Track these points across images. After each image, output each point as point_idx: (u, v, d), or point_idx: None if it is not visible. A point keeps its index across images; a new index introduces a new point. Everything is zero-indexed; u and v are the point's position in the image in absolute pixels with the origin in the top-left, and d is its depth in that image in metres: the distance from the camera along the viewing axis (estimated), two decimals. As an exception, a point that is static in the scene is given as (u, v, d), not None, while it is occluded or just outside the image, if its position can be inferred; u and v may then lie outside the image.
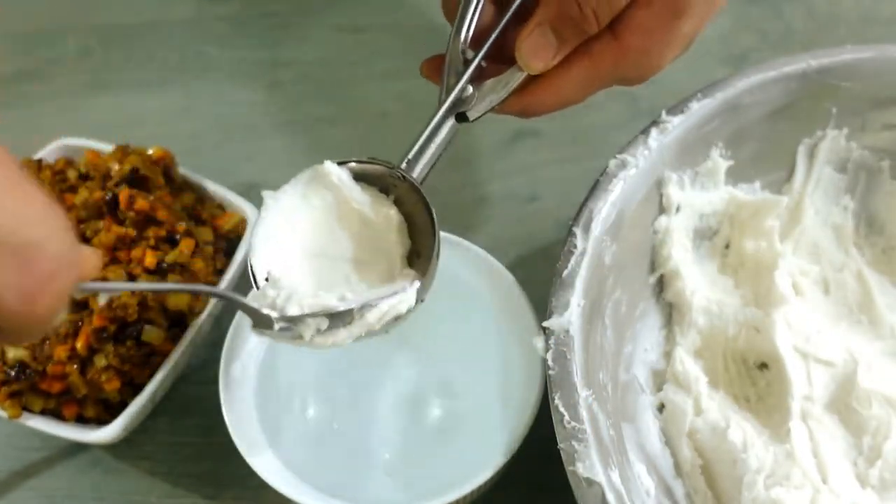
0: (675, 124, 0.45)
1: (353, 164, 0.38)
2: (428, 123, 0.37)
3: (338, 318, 0.34)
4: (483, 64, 0.39)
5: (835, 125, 0.50)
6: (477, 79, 0.38)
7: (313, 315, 0.34)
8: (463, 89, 0.38)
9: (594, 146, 0.63)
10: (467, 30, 0.38)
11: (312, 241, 0.38)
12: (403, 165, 0.37)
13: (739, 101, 0.47)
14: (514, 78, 0.38)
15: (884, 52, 0.48)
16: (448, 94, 0.37)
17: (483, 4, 0.39)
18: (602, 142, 0.62)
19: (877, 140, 0.51)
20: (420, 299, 0.36)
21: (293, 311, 0.34)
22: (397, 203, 0.39)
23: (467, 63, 0.38)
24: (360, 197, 0.38)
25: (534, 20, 0.37)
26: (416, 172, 0.37)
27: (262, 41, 0.73)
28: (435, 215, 0.37)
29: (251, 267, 0.36)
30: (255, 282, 0.36)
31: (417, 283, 0.36)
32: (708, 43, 0.72)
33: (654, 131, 0.45)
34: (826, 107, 0.49)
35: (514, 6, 0.39)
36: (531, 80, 0.38)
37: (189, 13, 0.75)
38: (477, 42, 0.38)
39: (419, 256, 0.38)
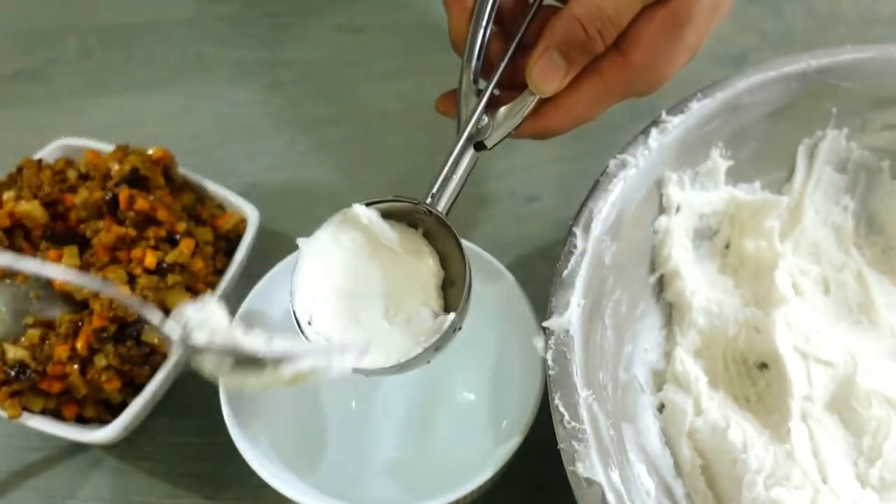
0: (675, 124, 0.45)
1: (380, 205, 0.39)
2: (448, 156, 0.38)
3: (248, 363, 0.33)
4: (496, 92, 0.39)
5: (835, 125, 0.50)
6: (491, 107, 0.39)
7: (218, 351, 0.33)
8: (479, 120, 0.39)
9: (594, 146, 0.63)
10: (477, 61, 0.39)
11: (345, 281, 0.39)
12: (429, 200, 0.39)
13: (739, 101, 0.47)
14: (527, 103, 0.38)
15: (884, 52, 0.48)
16: (465, 125, 0.38)
17: (490, 36, 0.40)
18: (602, 142, 0.61)
19: (877, 140, 0.51)
20: (458, 327, 0.37)
21: (199, 339, 0.33)
22: (426, 236, 0.40)
23: (480, 94, 0.39)
24: (390, 234, 0.39)
25: (541, 45, 0.37)
26: (442, 205, 0.39)
27: (262, 41, 0.73)
28: (463, 245, 0.38)
29: (294, 313, 0.37)
30: (300, 326, 0.37)
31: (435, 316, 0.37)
32: (708, 43, 0.72)
33: (654, 131, 0.45)
34: (826, 107, 0.49)
35: (520, 33, 0.39)
36: (543, 104, 0.39)
37: (189, 13, 0.75)
38: (487, 72, 0.39)
39: (453, 284, 0.39)
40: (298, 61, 0.71)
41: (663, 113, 0.45)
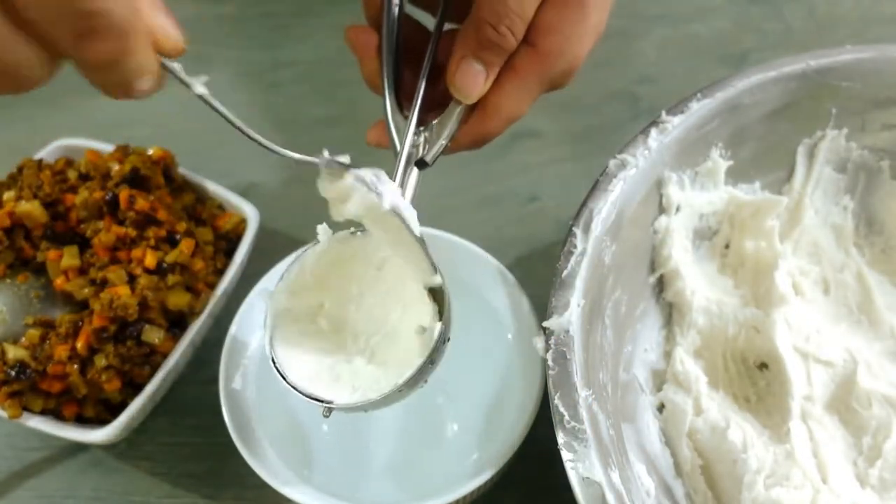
0: (675, 124, 0.45)
1: (339, 235, 0.38)
2: (393, 180, 0.39)
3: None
4: (421, 113, 0.40)
5: (835, 125, 0.50)
6: (421, 126, 0.40)
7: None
8: (413, 142, 0.39)
9: (594, 146, 0.63)
10: (396, 91, 0.40)
11: (318, 330, 0.39)
12: None
13: (739, 101, 0.47)
14: (455, 113, 0.39)
15: (884, 52, 0.48)
16: (401, 150, 0.39)
17: (402, 66, 0.41)
18: (602, 142, 0.62)
19: (877, 140, 0.51)
20: (447, 338, 0.37)
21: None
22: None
23: (407, 118, 0.40)
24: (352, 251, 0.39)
25: (456, 54, 0.38)
26: None
27: (262, 41, 0.73)
28: (432, 257, 0.37)
29: (278, 369, 0.37)
30: (285, 380, 0.37)
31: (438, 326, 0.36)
32: (708, 43, 0.73)
33: (654, 131, 0.45)
34: (826, 107, 0.49)
35: (428, 56, 0.41)
36: (472, 112, 0.40)
37: (189, 13, 0.75)
38: (409, 99, 0.40)
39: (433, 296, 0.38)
40: (298, 61, 0.71)
41: (663, 113, 0.45)
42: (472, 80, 0.38)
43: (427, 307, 0.37)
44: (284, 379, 0.36)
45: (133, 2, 0.27)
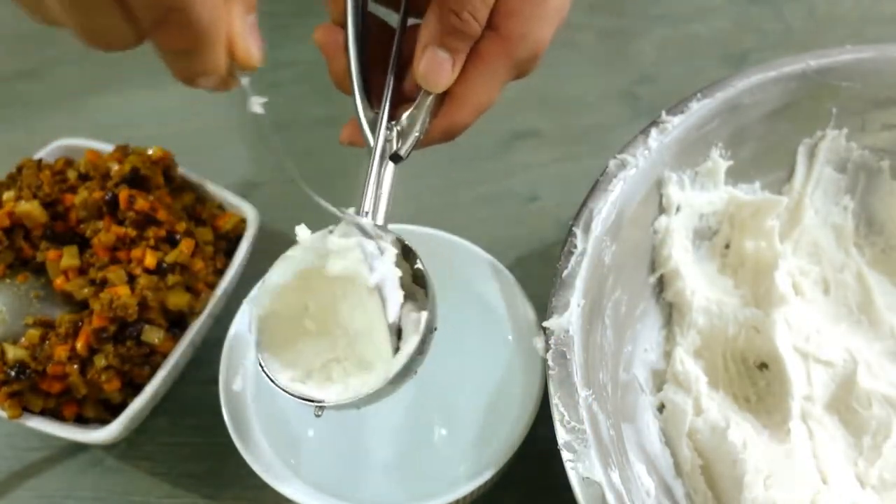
0: (675, 124, 0.45)
1: (318, 234, 0.38)
2: (367, 177, 0.39)
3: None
4: (391, 108, 0.40)
5: (835, 125, 0.50)
6: (393, 121, 0.40)
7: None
8: (386, 137, 0.40)
9: (594, 146, 0.63)
10: (365, 88, 0.40)
11: (302, 336, 0.39)
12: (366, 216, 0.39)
13: (739, 101, 0.47)
14: (425, 105, 0.39)
15: (884, 52, 0.48)
16: (374, 146, 0.39)
17: (368, 63, 0.41)
18: (602, 142, 0.62)
19: (877, 140, 0.51)
20: (434, 328, 0.37)
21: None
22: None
23: (378, 114, 0.40)
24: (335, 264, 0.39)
25: (421, 43, 0.38)
26: (380, 218, 0.38)
27: (262, 41, 0.73)
28: (415, 249, 0.37)
29: (262, 365, 0.37)
30: (275, 384, 0.37)
31: (425, 315, 0.36)
32: (708, 43, 0.73)
33: (654, 131, 0.45)
34: (826, 107, 0.49)
35: (393, 51, 0.41)
36: (441, 104, 0.40)
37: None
38: (378, 96, 0.40)
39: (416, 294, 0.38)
40: (298, 61, 0.71)
41: (663, 113, 0.45)
42: (438, 68, 0.38)
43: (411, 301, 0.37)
44: (273, 381, 0.36)
45: (218, 6, 0.28)
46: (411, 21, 0.42)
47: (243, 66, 0.32)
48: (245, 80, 0.32)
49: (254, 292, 0.46)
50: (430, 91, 0.39)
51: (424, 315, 0.36)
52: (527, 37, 0.38)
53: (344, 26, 0.40)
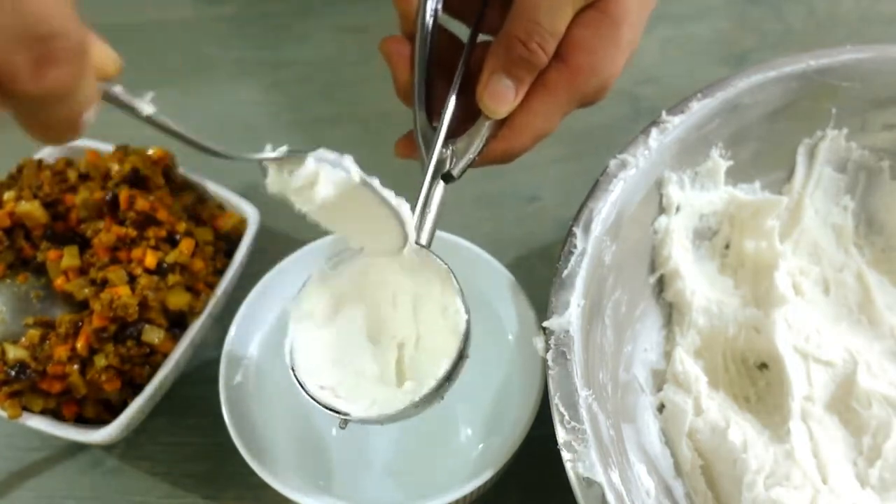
0: (675, 124, 0.45)
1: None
2: (419, 194, 0.39)
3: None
4: (451, 127, 0.40)
5: (835, 125, 0.50)
6: (450, 140, 0.40)
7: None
8: (441, 154, 0.39)
9: (594, 146, 0.63)
10: (426, 102, 0.40)
11: (338, 348, 0.39)
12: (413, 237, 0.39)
13: (739, 101, 0.47)
14: (484, 128, 0.39)
15: (884, 52, 0.48)
16: (428, 163, 0.39)
17: (433, 78, 0.41)
18: (602, 142, 0.61)
19: (877, 140, 0.51)
20: (466, 355, 0.37)
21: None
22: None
23: (436, 130, 0.40)
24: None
25: (487, 70, 0.38)
26: (424, 238, 0.39)
27: (262, 41, 0.73)
28: (454, 273, 0.38)
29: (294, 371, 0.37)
30: (309, 395, 0.37)
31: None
32: (708, 43, 0.73)
33: (654, 131, 0.45)
34: (826, 107, 0.49)
35: (460, 69, 0.40)
36: (500, 127, 0.39)
37: (189, 13, 0.75)
38: (438, 111, 0.40)
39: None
40: (298, 61, 0.71)
41: (663, 113, 0.45)
42: (500, 96, 0.38)
43: (449, 332, 0.37)
44: (303, 388, 0.36)
45: (79, 21, 0.25)
46: (481, 38, 0.41)
47: (115, 73, 0.30)
48: (118, 89, 0.30)
49: (260, 286, 0.46)
50: (489, 116, 0.39)
51: (457, 344, 0.36)
52: (595, 72, 0.38)
53: (412, 39, 0.40)
